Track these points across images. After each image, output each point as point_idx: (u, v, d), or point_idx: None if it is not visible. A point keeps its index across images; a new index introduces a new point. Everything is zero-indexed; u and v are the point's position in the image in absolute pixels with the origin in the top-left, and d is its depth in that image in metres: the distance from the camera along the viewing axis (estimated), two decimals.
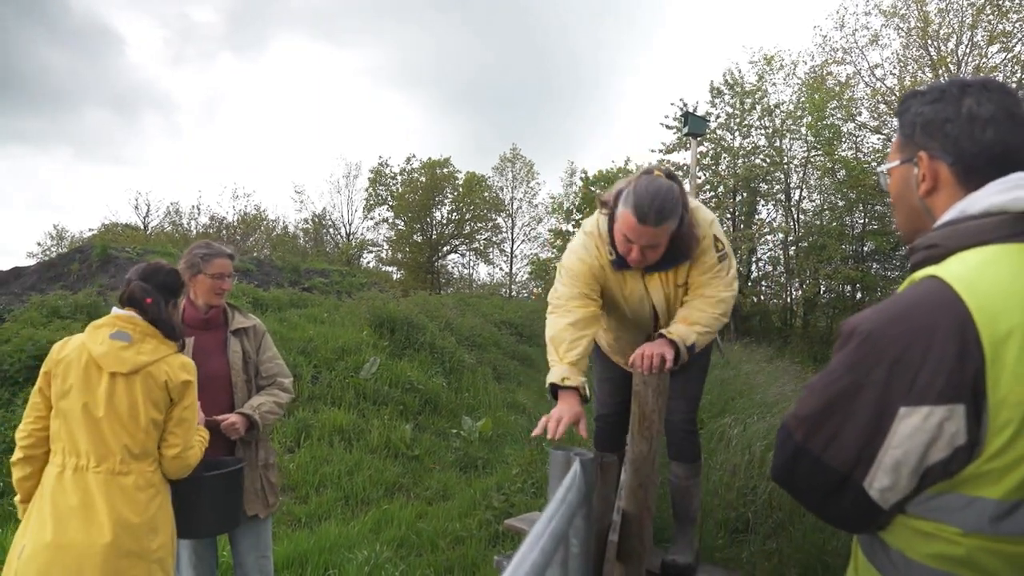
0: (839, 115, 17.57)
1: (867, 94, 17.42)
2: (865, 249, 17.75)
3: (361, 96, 58.17)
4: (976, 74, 14.43)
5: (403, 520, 4.20)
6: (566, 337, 2.09)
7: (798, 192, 19.59)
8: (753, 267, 19.41)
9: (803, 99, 17.97)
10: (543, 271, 25.07)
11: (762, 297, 19.54)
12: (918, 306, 0.92)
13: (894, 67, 17.07)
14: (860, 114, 17.81)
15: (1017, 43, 15.07)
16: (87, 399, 1.96)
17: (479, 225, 29.82)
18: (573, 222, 22.70)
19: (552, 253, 25.04)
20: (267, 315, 8.80)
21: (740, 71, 19.30)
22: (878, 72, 17.29)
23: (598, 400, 2.68)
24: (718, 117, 19.16)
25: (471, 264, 31.63)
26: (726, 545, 3.25)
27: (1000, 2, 14.96)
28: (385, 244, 30.34)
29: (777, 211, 19.83)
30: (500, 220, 30.40)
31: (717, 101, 19.32)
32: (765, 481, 3.54)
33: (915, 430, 0.89)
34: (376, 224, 30.32)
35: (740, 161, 18.72)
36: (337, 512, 4.43)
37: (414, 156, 29.78)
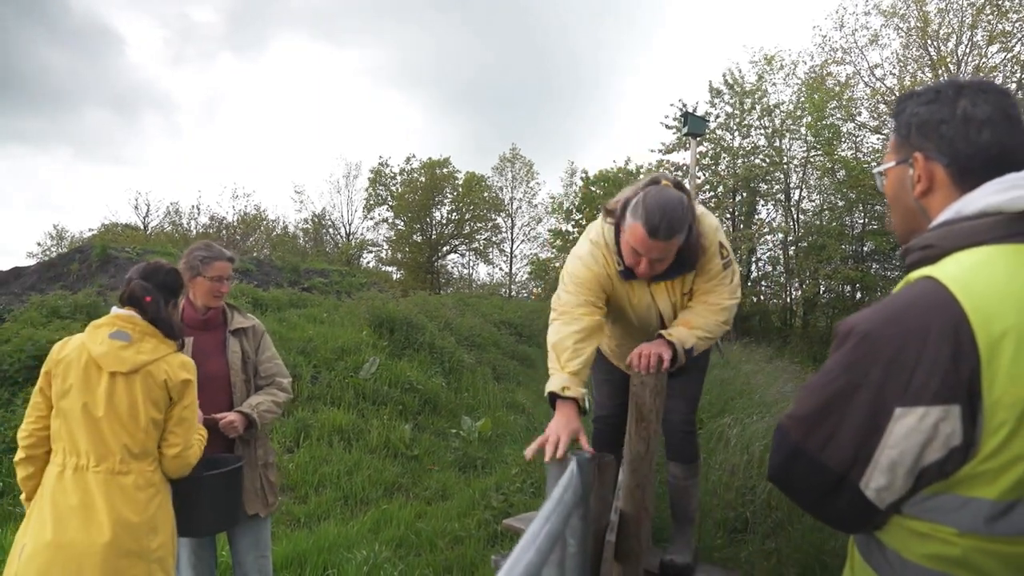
0: (839, 115, 17.57)
1: (867, 94, 17.44)
2: (865, 249, 17.76)
3: (361, 96, 58.22)
4: (976, 74, 14.46)
5: (402, 520, 4.20)
6: (569, 345, 2.04)
7: (798, 192, 19.62)
8: (753, 267, 19.42)
9: (803, 99, 17.97)
10: (543, 271, 25.06)
11: (762, 297, 19.55)
12: (913, 307, 0.92)
13: (894, 67, 17.10)
14: (860, 114, 17.84)
15: (1017, 43, 15.08)
16: (87, 399, 1.96)
17: (479, 225, 29.82)
18: (573, 222, 22.69)
19: (552, 253, 25.05)
20: (267, 315, 8.80)
21: (740, 71, 19.33)
22: (878, 72, 17.32)
23: (597, 402, 2.67)
24: (717, 117, 19.17)
25: (471, 264, 31.68)
26: (725, 545, 3.25)
27: (1000, 2, 14.96)
28: (385, 244, 30.38)
29: (777, 211, 19.86)
30: (500, 220, 30.44)
31: (716, 101, 19.35)
32: (764, 481, 3.54)
33: (911, 430, 0.89)
34: (376, 224, 30.37)
35: (740, 161, 18.73)
36: (336, 512, 4.43)
37: (414, 156, 29.82)
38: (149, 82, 54.54)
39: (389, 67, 58.44)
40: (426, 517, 4.31)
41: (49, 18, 51.53)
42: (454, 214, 29.44)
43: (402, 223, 29.19)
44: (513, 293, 29.09)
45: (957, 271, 0.93)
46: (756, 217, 19.60)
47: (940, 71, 15.49)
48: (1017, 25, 14.93)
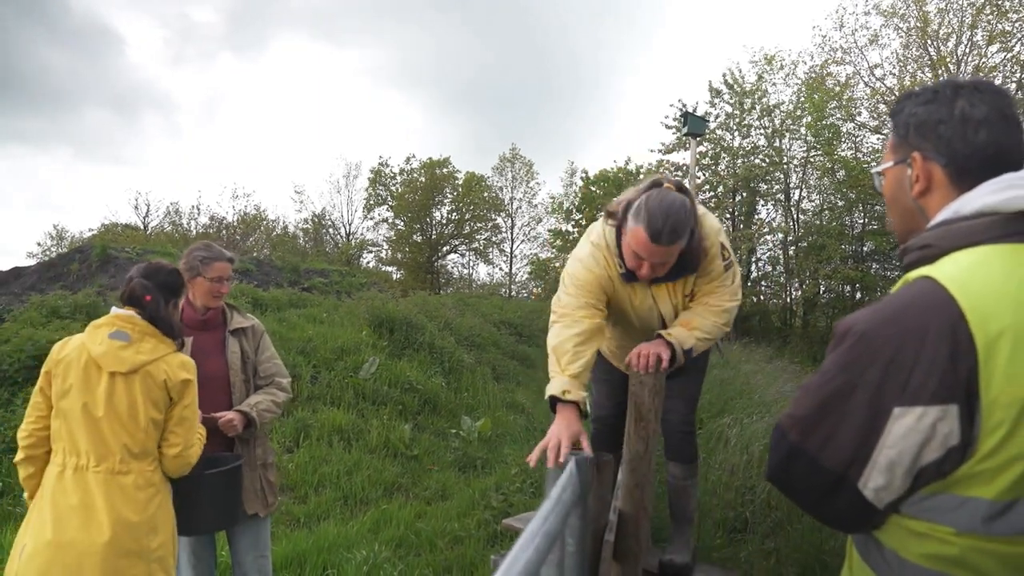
0: (839, 115, 17.56)
1: (867, 94, 17.44)
2: (865, 249, 17.76)
3: (361, 96, 58.18)
4: (976, 74, 14.45)
5: (402, 520, 4.20)
6: (569, 348, 2.02)
7: (798, 192, 19.61)
8: (753, 267, 19.41)
9: (803, 99, 17.97)
10: (543, 271, 25.04)
11: (762, 297, 19.54)
12: (911, 307, 0.92)
13: (893, 67, 17.09)
14: (860, 114, 17.83)
15: (1017, 43, 15.07)
16: (87, 399, 1.97)
17: (479, 225, 29.81)
18: (573, 222, 22.68)
19: (552, 253, 25.03)
20: (266, 315, 8.80)
21: (740, 71, 19.32)
22: (877, 72, 17.31)
23: (595, 402, 2.67)
24: (717, 117, 19.17)
25: (471, 264, 31.67)
26: (724, 544, 3.25)
27: (1000, 2, 14.96)
28: (385, 244, 30.36)
29: (777, 211, 19.84)
30: (500, 220, 30.43)
31: (716, 101, 19.34)
32: (763, 481, 3.54)
33: (909, 430, 0.89)
34: (376, 224, 30.35)
35: (739, 161, 18.72)
36: (336, 512, 4.43)
37: (414, 156, 29.81)
38: (149, 82, 54.58)
39: (389, 67, 58.48)
40: (426, 517, 4.32)
41: (49, 18, 51.58)
42: (454, 214, 29.44)
43: (402, 223, 29.18)
44: (513, 293, 29.10)
45: (955, 271, 0.93)
46: (756, 217, 19.59)
47: (940, 71, 15.49)
48: (1017, 25, 14.94)
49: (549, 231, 25.91)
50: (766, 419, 4.59)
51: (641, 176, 20.40)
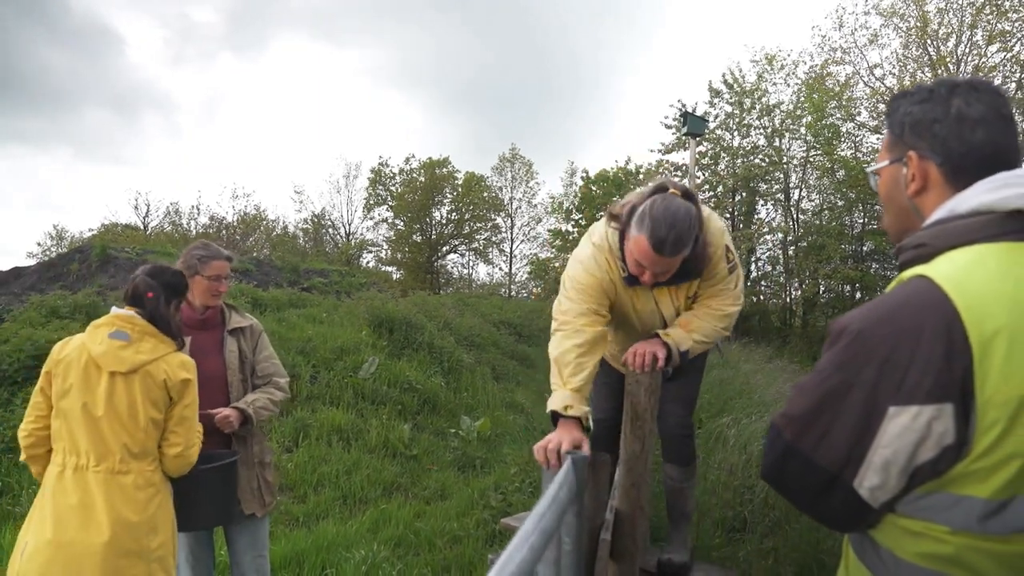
0: (839, 115, 17.56)
1: (866, 94, 17.43)
2: (864, 249, 17.75)
3: (361, 96, 58.16)
4: (976, 74, 14.45)
5: (401, 519, 4.20)
6: (571, 360, 1.97)
7: (797, 192, 19.60)
8: (752, 267, 19.40)
9: (803, 99, 17.96)
10: (542, 271, 25.02)
11: (761, 297, 19.53)
12: (906, 306, 0.92)
13: (893, 67, 17.08)
14: (859, 114, 17.82)
15: (1016, 43, 15.07)
16: (87, 398, 1.97)
17: (478, 225, 29.83)
18: (573, 222, 22.67)
19: (551, 253, 25.02)
20: (266, 315, 8.80)
21: (740, 70, 19.31)
22: (877, 72, 17.31)
23: (594, 404, 2.66)
24: (717, 117, 19.16)
25: (470, 264, 31.68)
26: (723, 544, 3.25)
27: (999, 2, 14.95)
28: (384, 244, 30.38)
29: (776, 211, 19.83)
30: (499, 220, 30.43)
31: (716, 101, 19.34)
32: (762, 480, 3.54)
33: (904, 429, 0.89)
34: (376, 224, 30.37)
35: (739, 161, 18.71)
36: (335, 511, 4.43)
37: (413, 156, 29.82)
38: (149, 82, 54.56)
39: (389, 67, 58.45)
40: (425, 517, 4.32)
41: (49, 18, 51.55)
42: (454, 214, 29.45)
43: (402, 223, 29.19)
44: (513, 293, 29.09)
45: (950, 270, 0.93)
46: (756, 217, 19.58)
47: (940, 71, 15.48)
48: (1017, 25, 14.93)
49: (549, 231, 25.90)
50: (765, 419, 4.59)
51: (641, 176, 20.40)
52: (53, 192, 59.27)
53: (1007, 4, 14.88)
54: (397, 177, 29.80)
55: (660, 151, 19.34)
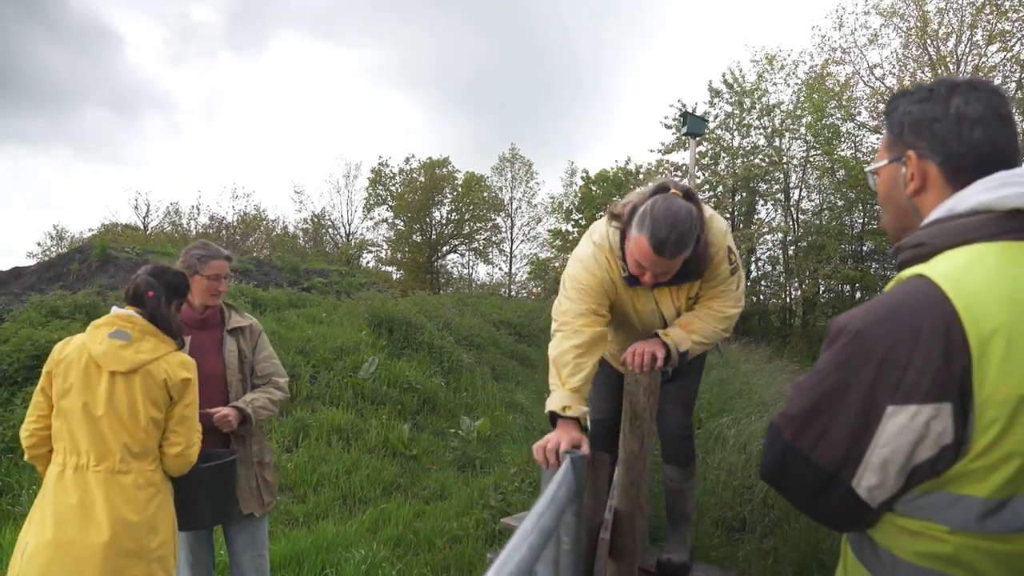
0: (838, 115, 17.55)
1: (866, 94, 17.42)
2: (864, 249, 17.74)
3: (361, 96, 58.11)
4: (976, 73, 14.45)
5: (400, 519, 4.20)
6: (569, 360, 1.96)
7: (797, 192, 19.58)
8: (752, 267, 19.39)
9: (803, 99, 17.96)
10: (542, 271, 25.02)
11: (761, 297, 19.52)
12: (905, 305, 0.92)
13: (893, 67, 17.07)
14: (859, 114, 17.81)
15: (1016, 43, 15.06)
16: (87, 398, 1.98)
17: (478, 225, 29.81)
18: (573, 222, 22.68)
19: (551, 253, 25.03)
20: (266, 315, 8.81)
21: (741, 70, 19.29)
22: (877, 72, 17.30)
23: (593, 405, 2.66)
24: (717, 117, 19.16)
25: (470, 264, 31.67)
26: (722, 544, 3.25)
27: (999, 2, 14.95)
28: (384, 244, 30.37)
29: (776, 211, 19.81)
30: (499, 220, 30.43)
31: (716, 101, 19.33)
32: (761, 480, 3.55)
33: (902, 429, 0.89)
34: (376, 224, 30.37)
35: (739, 161, 18.70)
36: (335, 511, 4.43)
37: (413, 156, 29.82)
38: (149, 82, 54.50)
39: (389, 67, 58.41)
40: (424, 516, 4.32)
41: (48, 18, 51.51)
42: (454, 214, 29.44)
43: (402, 223, 29.18)
44: (513, 293, 29.07)
45: (949, 269, 0.93)
46: (756, 217, 19.57)
47: (940, 71, 15.47)
48: (1017, 24, 14.92)
49: (549, 231, 25.92)
50: (765, 419, 4.59)
51: (641, 176, 20.41)
52: (53, 192, 59.29)
53: (1007, 4, 14.88)
54: (397, 177, 29.81)
55: (660, 151, 19.34)
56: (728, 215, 18.95)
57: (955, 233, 0.98)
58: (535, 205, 30.72)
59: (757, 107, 18.70)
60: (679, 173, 17.68)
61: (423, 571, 3.48)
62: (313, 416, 5.85)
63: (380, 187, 29.80)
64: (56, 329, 6.07)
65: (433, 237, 28.97)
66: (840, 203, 17.92)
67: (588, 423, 1.93)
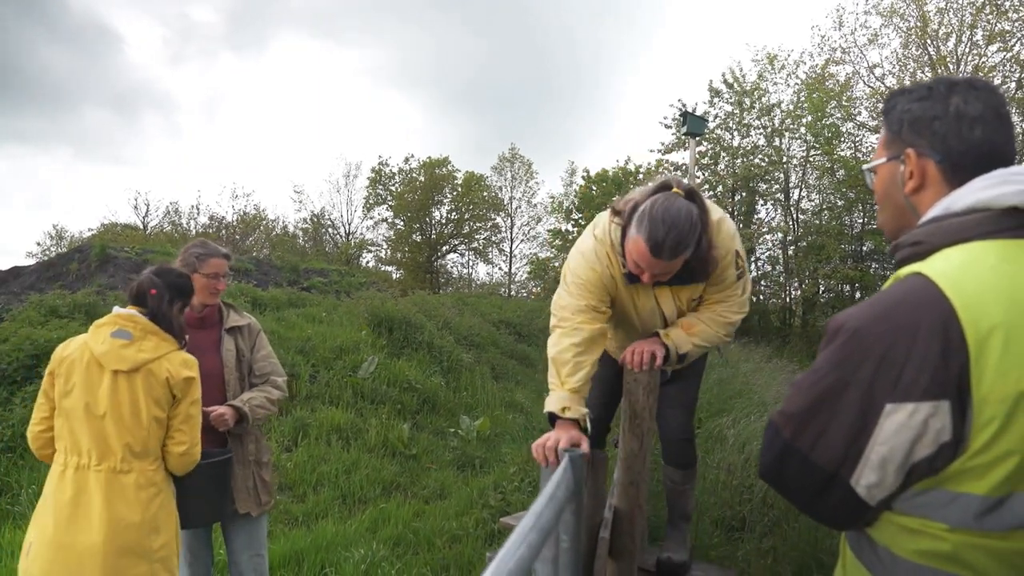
0: (838, 115, 17.55)
1: (866, 94, 17.42)
2: (864, 248, 17.73)
3: (361, 96, 58.05)
4: (976, 73, 14.45)
5: (400, 519, 4.20)
6: (569, 359, 1.93)
7: (797, 192, 19.57)
8: (752, 267, 19.39)
9: (803, 99, 17.95)
10: (542, 271, 25.02)
11: (761, 297, 19.52)
12: (903, 303, 0.92)
13: (893, 67, 17.07)
14: (859, 114, 17.81)
15: (1016, 42, 15.05)
16: (89, 398, 1.98)
17: (478, 225, 29.80)
18: (572, 222, 22.68)
19: (551, 253, 25.03)
20: (265, 315, 8.81)
21: (741, 69, 19.29)
22: (877, 72, 17.31)
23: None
24: (716, 117, 19.16)
25: (470, 264, 31.67)
26: (721, 543, 3.26)
27: (999, 2, 14.95)
28: (384, 244, 30.36)
29: (776, 211, 19.81)
30: (499, 220, 30.42)
31: (716, 100, 19.33)
32: (760, 480, 3.55)
33: (901, 427, 0.89)
34: (375, 224, 30.36)
35: (739, 161, 18.71)
36: (334, 511, 4.43)
37: (413, 156, 29.82)
38: (149, 82, 54.39)
39: (389, 67, 58.33)
40: (424, 516, 4.32)
41: (48, 17, 51.44)
42: (453, 214, 29.43)
43: (401, 223, 29.18)
44: (512, 293, 29.06)
45: (946, 267, 0.93)
46: (755, 217, 19.57)
47: (940, 71, 15.47)
48: (1016, 24, 14.92)
49: (548, 231, 25.93)
50: (764, 418, 4.59)
51: (640, 176, 20.41)
52: (53, 192, 59.19)
53: (1007, 4, 14.88)
54: (397, 177, 29.80)
55: (660, 151, 19.35)
56: (728, 215, 18.90)
57: (952, 231, 0.98)
58: (535, 205, 30.73)
59: (757, 107, 18.69)
60: (679, 173, 17.68)
61: (422, 570, 3.48)
62: (313, 415, 5.85)
63: (380, 187, 29.79)
64: (55, 328, 6.06)
65: (433, 237, 28.96)
66: (840, 203, 17.92)
67: (587, 424, 1.91)
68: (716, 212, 2.01)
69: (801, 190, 19.51)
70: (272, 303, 9.76)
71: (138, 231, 27.19)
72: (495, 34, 57.62)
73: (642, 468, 1.83)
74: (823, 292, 18.59)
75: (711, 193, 18.81)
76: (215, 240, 9.77)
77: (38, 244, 34.36)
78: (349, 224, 30.58)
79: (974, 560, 0.90)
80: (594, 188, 21.38)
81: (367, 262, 29.71)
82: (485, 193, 29.68)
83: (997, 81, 14.57)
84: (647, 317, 2.19)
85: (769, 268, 19.86)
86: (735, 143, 19.11)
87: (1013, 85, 14.84)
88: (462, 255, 30.96)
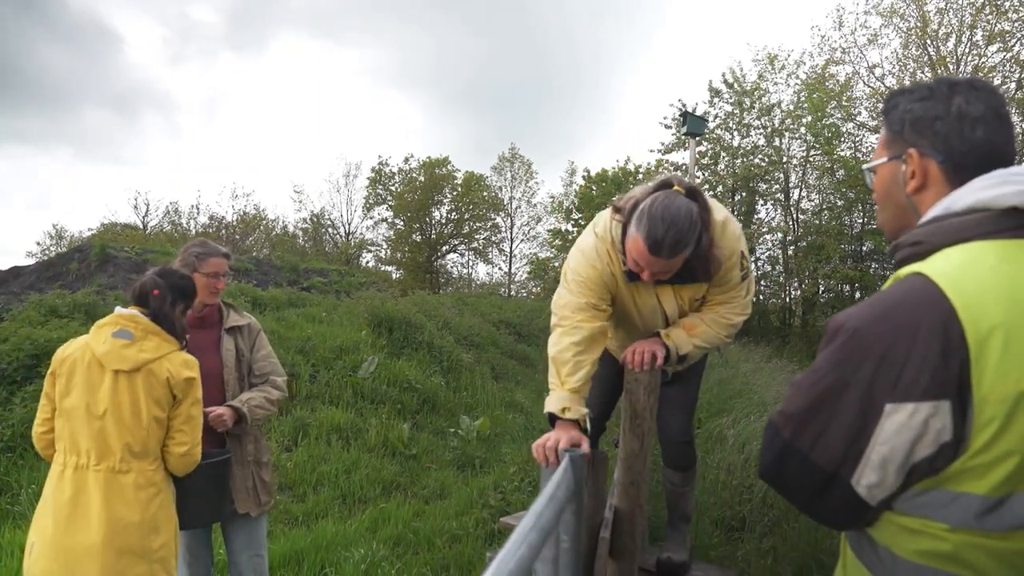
0: (838, 115, 17.55)
1: (866, 94, 17.43)
2: (864, 248, 17.73)
3: (361, 96, 58.00)
4: (976, 74, 14.45)
5: (400, 519, 4.20)
6: (569, 358, 1.92)
7: (797, 192, 19.57)
8: (752, 267, 19.36)
9: (803, 99, 17.95)
10: (542, 270, 25.02)
11: (761, 297, 19.52)
12: (903, 303, 0.92)
13: (893, 67, 17.08)
14: (859, 114, 17.82)
15: (1016, 43, 15.06)
16: (89, 398, 1.98)
17: (478, 225, 29.79)
18: (572, 221, 22.68)
19: (551, 253, 25.03)
20: (265, 314, 8.80)
21: (741, 69, 19.29)
22: (877, 72, 17.31)
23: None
24: (716, 116, 19.16)
25: (470, 264, 31.66)
26: (721, 543, 3.26)
27: (999, 2, 14.95)
28: (384, 244, 30.36)
29: (776, 211, 19.81)
30: (499, 220, 30.41)
31: (716, 100, 19.33)
32: (761, 480, 3.55)
33: (901, 427, 0.89)
34: (375, 224, 30.35)
35: (739, 161, 18.71)
36: (334, 511, 4.43)
37: (413, 156, 29.81)
38: (149, 82, 54.33)
39: (389, 67, 58.27)
40: (424, 516, 4.32)
41: (48, 17, 51.39)
42: (453, 214, 29.42)
43: (401, 223, 29.17)
44: (512, 293, 29.05)
45: (946, 267, 0.93)
46: (755, 217, 19.57)
47: (940, 71, 15.47)
48: (1016, 25, 14.92)
49: (548, 231, 25.92)
50: (764, 418, 4.59)
51: (640, 176, 20.40)
52: (53, 192, 59.13)
53: (1007, 4, 14.88)
54: (397, 177, 29.79)
55: (660, 151, 19.35)
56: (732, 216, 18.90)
57: (953, 231, 0.98)
58: (535, 205, 30.72)
59: (757, 107, 18.69)
60: (679, 173, 17.66)
61: (422, 570, 3.48)
62: (313, 415, 5.85)
63: (380, 187, 29.79)
64: (55, 328, 6.06)
65: (433, 237, 28.95)
66: (840, 203, 17.92)
67: (587, 424, 1.90)
68: (720, 212, 2.00)
69: (801, 190, 19.52)
70: (272, 303, 9.76)
71: (138, 231, 27.19)
72: (495, 34, 57.61)
73: (643, 468, 1.83)
74: (823, 292, 18.60)
75: (711, 193, 18.78)
76: (215, 240, 9.77)
77: (38, 244, 34.35)
78: (349, 224, 30.60)
79: (974, 560, 0.90)
80: (594, 188, 21.38)
81: (367, 262, 29.73)
82: (485, 193, 29.67)
83: (997, 81, 14.58)
84: (648, 316, 2.18)
85: (769, 268, 19.87)
86: (735, 143, 19.12)
87: (1013, 85, 14.85)
88: (462, 255, 30.98)
